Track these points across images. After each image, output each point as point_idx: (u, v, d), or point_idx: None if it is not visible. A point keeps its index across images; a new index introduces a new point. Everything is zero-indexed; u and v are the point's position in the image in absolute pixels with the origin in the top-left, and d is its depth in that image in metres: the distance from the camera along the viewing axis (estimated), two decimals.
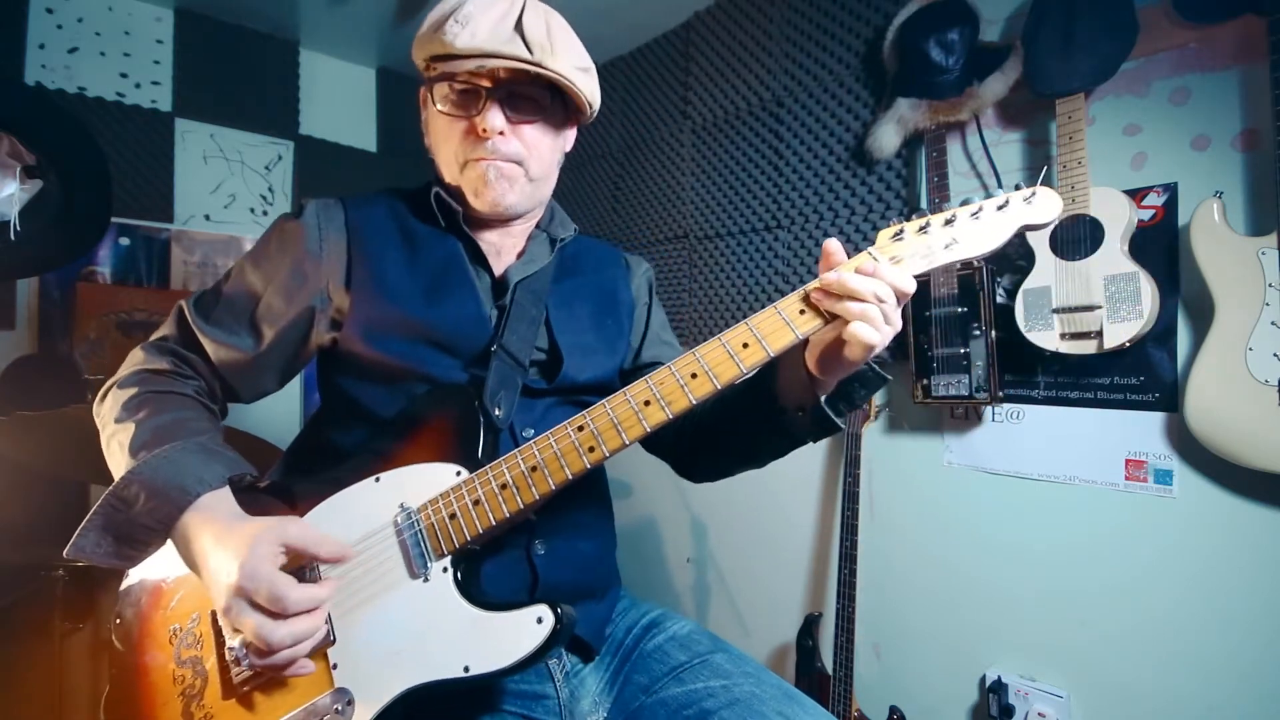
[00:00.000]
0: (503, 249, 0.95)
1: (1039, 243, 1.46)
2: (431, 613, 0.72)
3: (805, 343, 0.75)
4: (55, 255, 1.76)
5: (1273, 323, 1.20)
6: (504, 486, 0.73)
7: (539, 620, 0.69)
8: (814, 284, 0.72)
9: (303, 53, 2.57)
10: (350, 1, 2.28)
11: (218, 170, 2.39)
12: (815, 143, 1.96)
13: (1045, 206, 0.71)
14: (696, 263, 2.33)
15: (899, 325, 0.71)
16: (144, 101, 2.22)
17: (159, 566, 0.81)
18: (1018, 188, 0.73)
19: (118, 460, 0.76)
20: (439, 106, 0.86)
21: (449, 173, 0.89)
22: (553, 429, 0.75)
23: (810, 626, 1.83)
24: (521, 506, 0.73)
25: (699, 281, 2.32)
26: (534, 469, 0.73)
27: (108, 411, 0.81)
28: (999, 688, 1.59)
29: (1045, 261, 1.45)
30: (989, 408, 1.67)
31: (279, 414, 2.46)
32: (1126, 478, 1.46)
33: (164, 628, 0.79)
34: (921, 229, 0.73)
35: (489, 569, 0.78)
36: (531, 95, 0.85)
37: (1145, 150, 1.44)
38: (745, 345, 0.71)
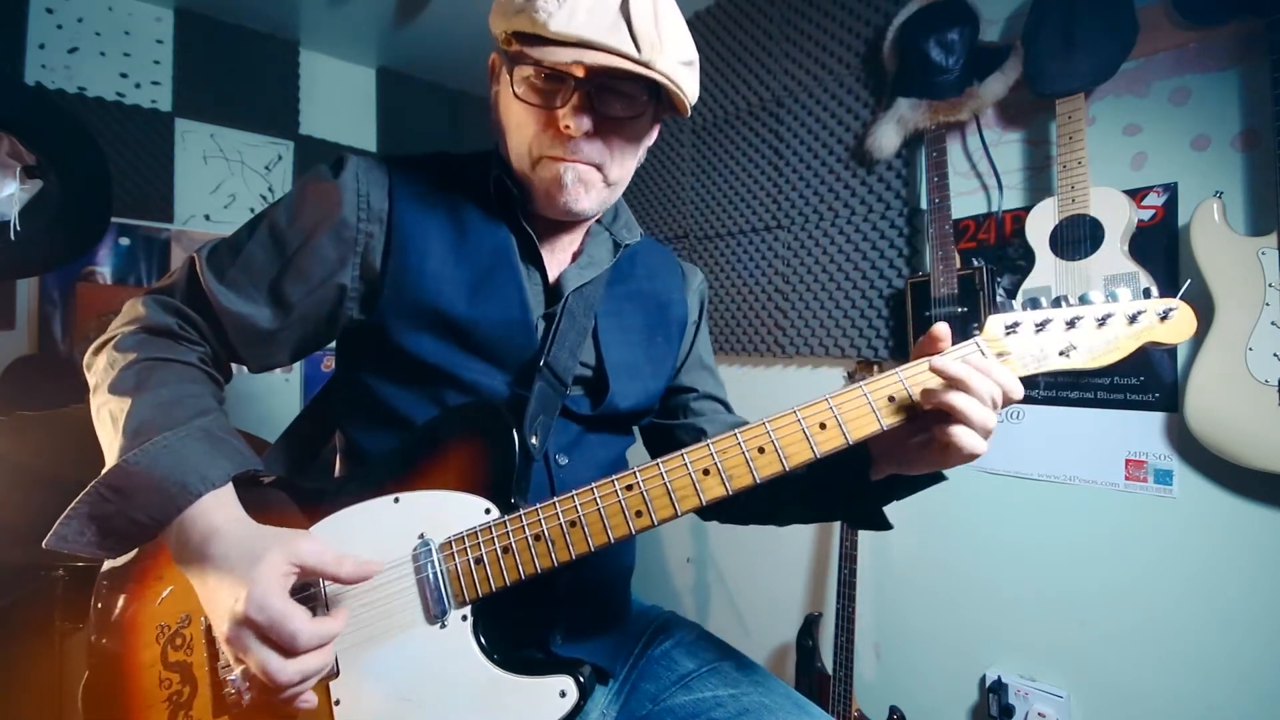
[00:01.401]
0: (557, 245, 0.86)
1: (1039, 242, 1.46)
2: (446, 664, 0.67)
3: None
4: (55, 255, 1.76)
5: (1273, 323, 1.20)
6: (538, 538, 0.67)
7: (562, 694, 0.65)
8: (910, 369, 0.65)
9: (303, 53, 2.57)
10: (350, 1, 2.27)
11: (218, 170, 2.39)
12: (815, 143, 1.96)
13: (1180, 326, 0.64)
14: (696, 263, 2.32)
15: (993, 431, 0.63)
16: (144, 101, 2.22)
17: (146, 552, 0.75)
18: (1147, 294, 0.64)
19: (109, 436, 0.68)
20: (517, 90, 0.73)
21: (519, 163, 0.78)
22: (598, 483, 0.67)
23: (810, 626, 1.83)
24: (554, 564, 0.67)
25: None
26: (573, 524, 0.67)
27: (101, 372, 0.73)
28: (999, 688, 1.59)
29: (1045, 261, 1.45)
30: None
31: (278, 409, 2.46)
32: (1126, 478, 1.46)
33: (150, 623, 0.73)
34: (1039, 326, 0.65)
35: (508, 602, 0.73)
36: (626, 93, 0.73)
37: (1145, 150, 1.44)
38: (823, 426, 0.65)
